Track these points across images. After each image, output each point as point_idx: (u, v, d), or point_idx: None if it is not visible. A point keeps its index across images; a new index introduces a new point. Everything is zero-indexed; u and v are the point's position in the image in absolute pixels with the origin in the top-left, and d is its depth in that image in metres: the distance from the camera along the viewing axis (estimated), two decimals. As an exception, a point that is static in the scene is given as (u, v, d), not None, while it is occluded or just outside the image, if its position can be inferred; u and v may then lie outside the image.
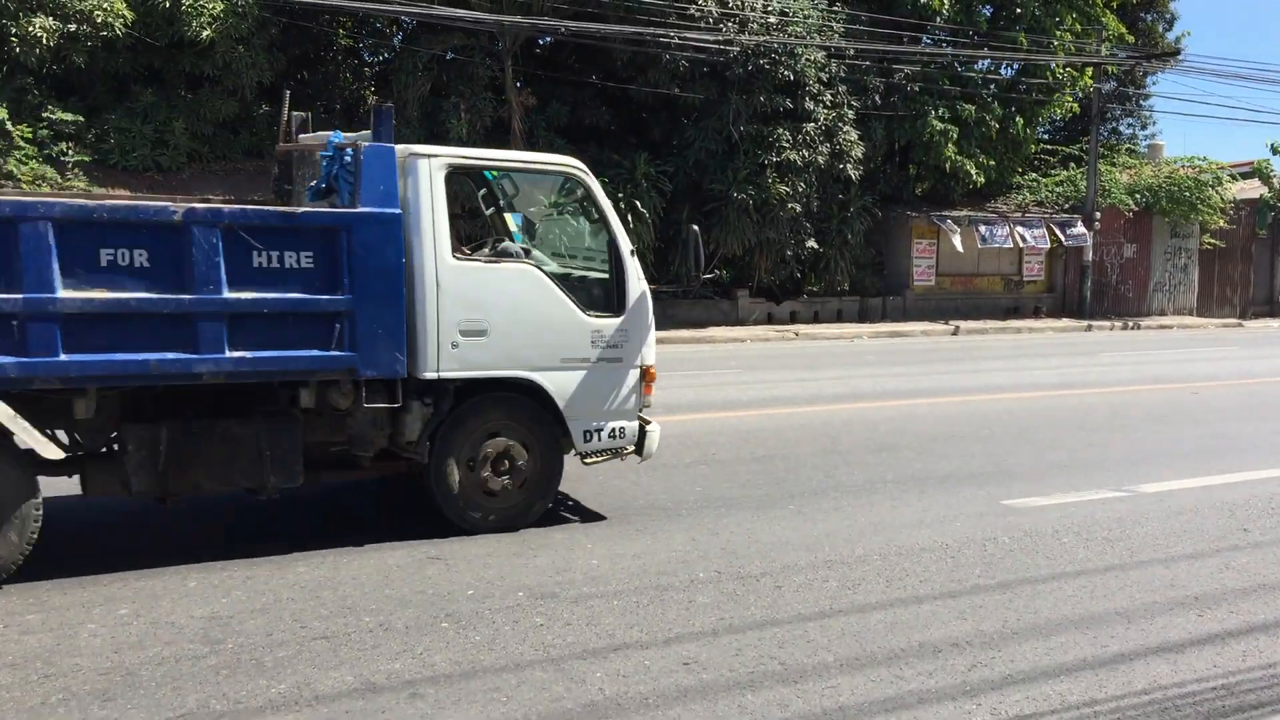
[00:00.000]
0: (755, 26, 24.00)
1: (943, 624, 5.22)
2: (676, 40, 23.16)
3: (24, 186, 18.59)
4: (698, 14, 23.42)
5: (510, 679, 4.50)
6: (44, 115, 19.22)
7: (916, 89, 27.00)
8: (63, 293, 5.30)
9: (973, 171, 27.67)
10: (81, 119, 19.65)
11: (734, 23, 23.83)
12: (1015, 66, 29.46)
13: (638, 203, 23.39)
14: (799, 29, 24.82)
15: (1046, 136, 33.61)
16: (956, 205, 28.78)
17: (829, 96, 25.02)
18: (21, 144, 18.71)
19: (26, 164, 18.71)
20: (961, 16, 27.87)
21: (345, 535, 6.55)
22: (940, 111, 27.09)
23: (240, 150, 21.83)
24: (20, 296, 5.22)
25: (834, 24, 25.65)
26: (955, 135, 27.17)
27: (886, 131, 26.92)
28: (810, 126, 24.50)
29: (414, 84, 22.49)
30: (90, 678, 4.47)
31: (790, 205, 24.12)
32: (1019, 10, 28.74)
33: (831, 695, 4.41)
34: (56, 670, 4.53)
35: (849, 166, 25.27)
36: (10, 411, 5.32)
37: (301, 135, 7.77)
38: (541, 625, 5.12)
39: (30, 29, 18.52)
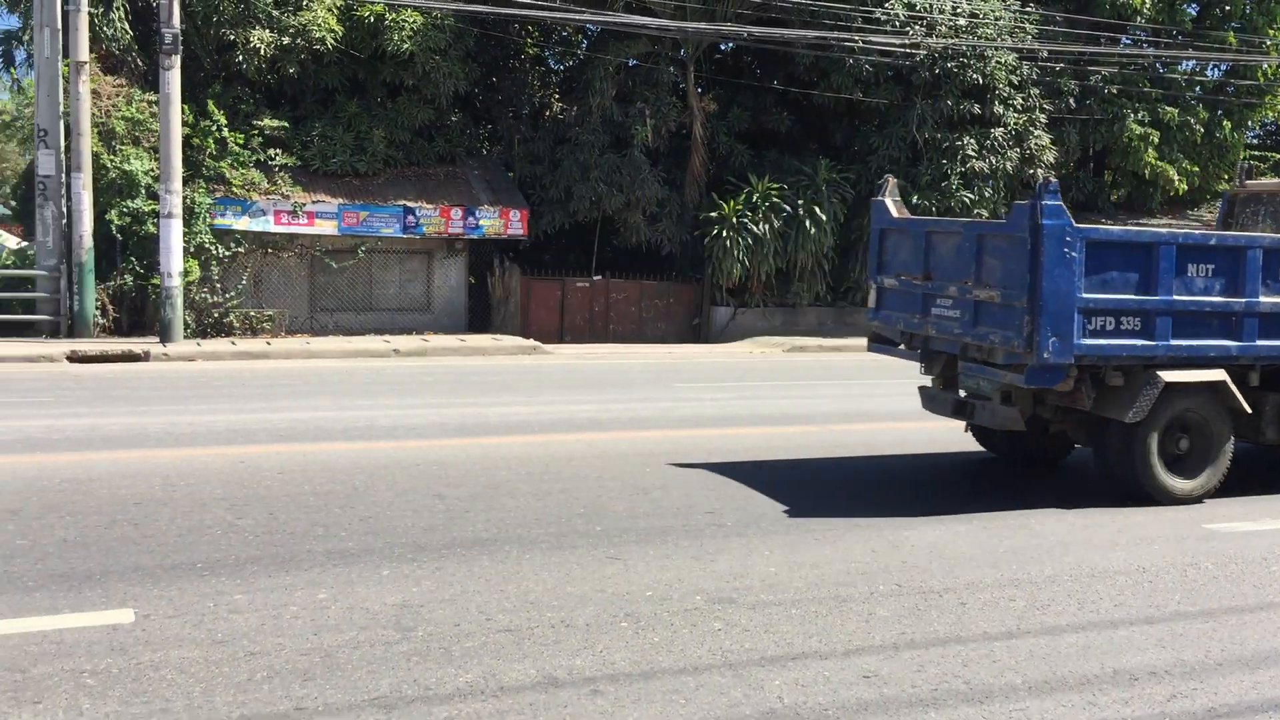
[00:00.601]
0: (943, 29, 23.47)
1: (1139, 650, 4.99)
2: (861, 44, 22.87)
3: (235, 191, 19.78)
4: (884, 17, 23.06)
5: (689, 681, 4.53)
6: (255, 123, 20.39)
7: (1114, 91, 25.89)
8: (1262, 299, 7.93)
9: (1174, 177, 26.33)
10: (288, 125, 20.75)
11: (921, 25, 23.36)
12: (1223, 67, 27.90)
13: (817, 208, 23.19)
14: (989, 31, 24.13)
15: (1256, 141, 31.69)
16: (1155, 213, 27.42)
17: (1020, 100, 24.25)
18: (235, 149, 19.89)
19: (239, 169, 19.88)
20: (1164, 16, 26.55)
21: (528, 532, 6.72)
22: (1139, 115, 25.89)
23: (433, 156, 22.63)
24: (1241, 300, 7.86)
25: (1026, 25, 24.83)
26: (1155, 140, 25.91)
27: (1080, 136, 25.91)
28: (999, 132, 23.81)
29: (599, 91, 22.86)
30: (292, 657, 4.70)
31: (976, 212, 23.46)
32: (1228, 8, 27.21)
33: (1020, 717, 4.27)
34: (261, 649, 4.79)
35: (1040, 171, 24.41)
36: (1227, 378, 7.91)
37: (1248, 181, 10.74)
38: (719, 630, 5.13)
39: (251, 41, 19.71)
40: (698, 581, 5.87)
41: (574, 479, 8.34)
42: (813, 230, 23.17)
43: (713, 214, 23.38)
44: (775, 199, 23.23)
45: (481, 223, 21.91)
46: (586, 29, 24.83)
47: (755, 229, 23.03)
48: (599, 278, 23.66)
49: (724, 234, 23.03)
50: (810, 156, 24.44)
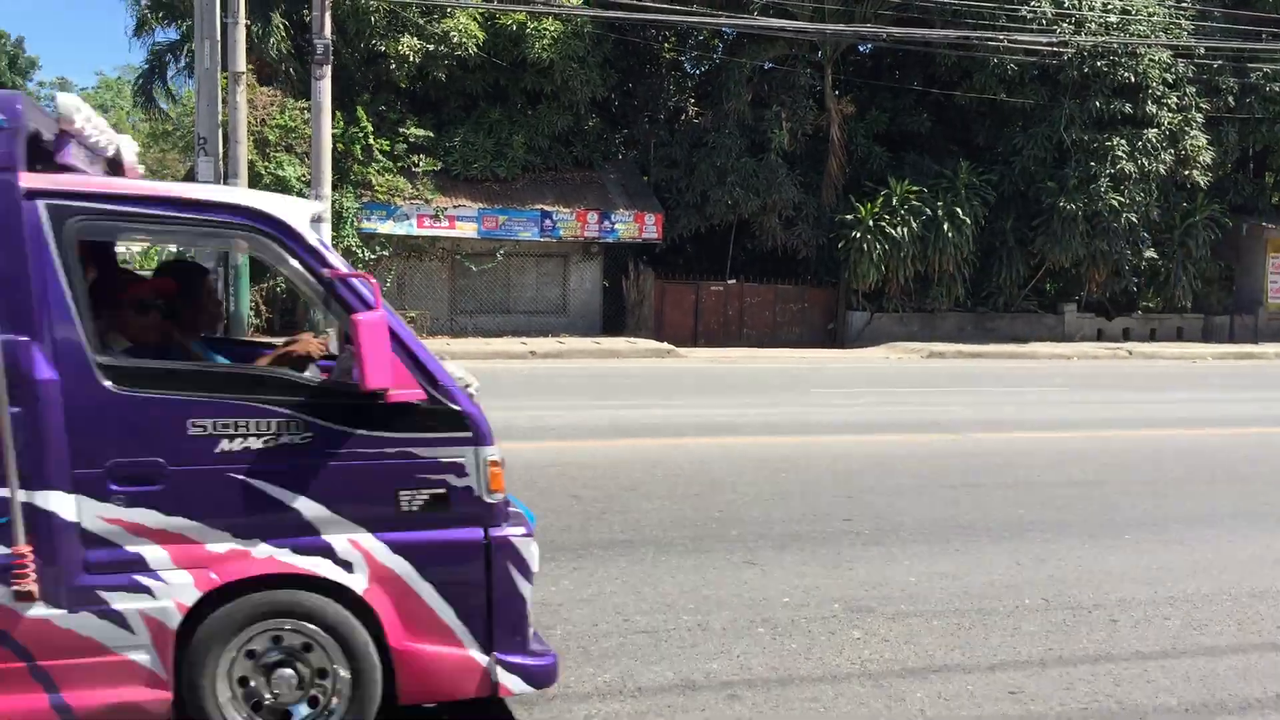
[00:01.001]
0: (1093, 26, 22.72)
1: (1306, 677, 4.73)
2: (1006, 43, 22.31)
3: (380, 195, 20.40)
4: (1029, 15, 22.45)
5: (827, 690, 4.48)
6: (401, 130, 21.01)
7: (1277, 89, 24.66)
8: None
9: (1341, 178, 24.99)
10: (432, 135, 21.32)
11: (1069, 23, 22.67)
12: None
13: (959, 210, 22.71)
14: (1142, 28, 23.27)
15: None
16: (1320, 216, 26.08)
17: (1174, 99, 23.31)
18: (380, 157, 20.53)
19: (384, 175, 20.51)
20: (1332, 8, 25.23)
21: (664, 534, 6.74)
22: (1304, 113, 24.66)
23: (571, 161, 22.95)
24: None
25: (1182, 20, 23.86)
26: (1321, 139, 24.64)
27: (1239, 136, 24.77)
28: (1152, 132, 22.93)
29: (735, 95, 22.83)
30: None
31: (1125, 215, 22.66)
32: None
33: (1175, 742, 4.10)
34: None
35: (1195, 173, 23.44)
36: None
37: None
38: (858, 639, 5.06)
39: (399, 48, 20.31)
40: (835, 589, 5.80)
41: (709, 483, 8.34)
42: (952, 234, 22.71)
43: (849, 217, 23.13)
44: (914, 202, 22.84)
45: (617, 226, 22.12)
46: (723, 33, 24.84)
47: (893, 232, 22.68)
48: (733, 281, 23.63)
49: (861, 237, 22.76)
50: (950, 158, 23.96)
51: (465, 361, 17.22)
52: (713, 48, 26.00)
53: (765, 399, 13.99)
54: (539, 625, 5.09)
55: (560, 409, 12.13)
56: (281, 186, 19.63)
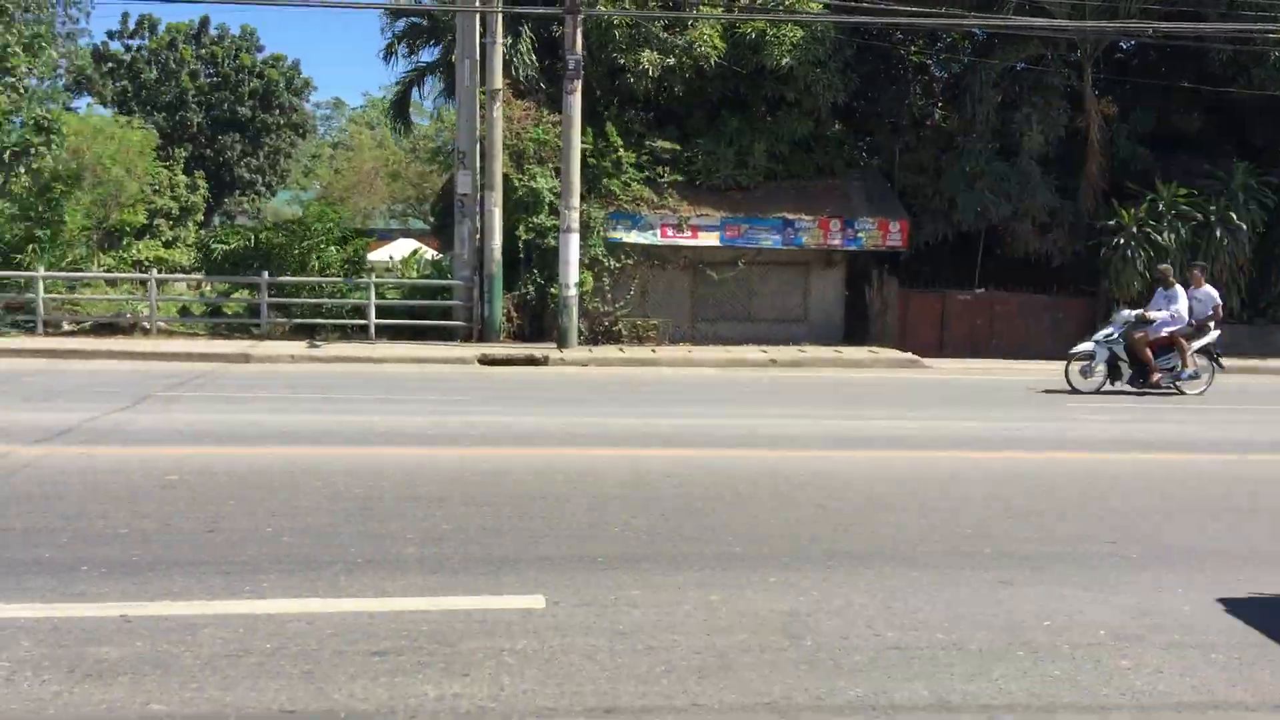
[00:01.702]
0: (1396, 11, 20.73)
1: None
2: (1290, 35, 20.67)
3: (626, 206, 20.88)
4: (1318, 3, 20.72)
5: (1094, 720, 4.27)
6: (647, 142, 21.45)
7: None
8: None
9: None
10: (678, 147, 21.67)
11: (1365, 10, 20.76)
12: None
13: (1233, 215, 21.18)
14: None
15: None
16: None
17: None
18: (628, 168, 21.03)
19: (630, 185, 21.00)
20: None
21: (912, 549, 6.60)
22: None
23: (812, 168, 22.81)
24: None
25: None
26: None
27: None
28: None
29: (984, 97, 22.09)
30: (687, 655, 4.88)
31: None
32: None
33: None
34: (659, 643, 5.00)
35: None
36: None
37: None
38: (1127, 669, 4.79)
39: (640, 63, 20.79)
40: (1099, 615, 5.52)
41: (958, 498, 8.10)
42: (1226, 240, 21.21)
43: (1110, 223, 21.96)
44: (1183, 206, 21.46)
45: (859, 234, 21.81)
46: (973, 34, 24.08)
47: (1159, 239, 21.39)
48: (981, 290, 22.86)
49: (1123, 244, 21.55)
50: (1224, 160, 22.35)
51: (708, 369, 17.42)
52: (961, 49, 25.24)
53: (1016, 413, 13.46)
54: (788, 634, 5.10)
55: (802, 418, 12.06)
56: (535, 198, 20.41)
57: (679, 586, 5.80)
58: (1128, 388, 15.62)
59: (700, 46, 21.04)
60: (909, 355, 20.04)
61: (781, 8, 21.69)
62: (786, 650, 4.94)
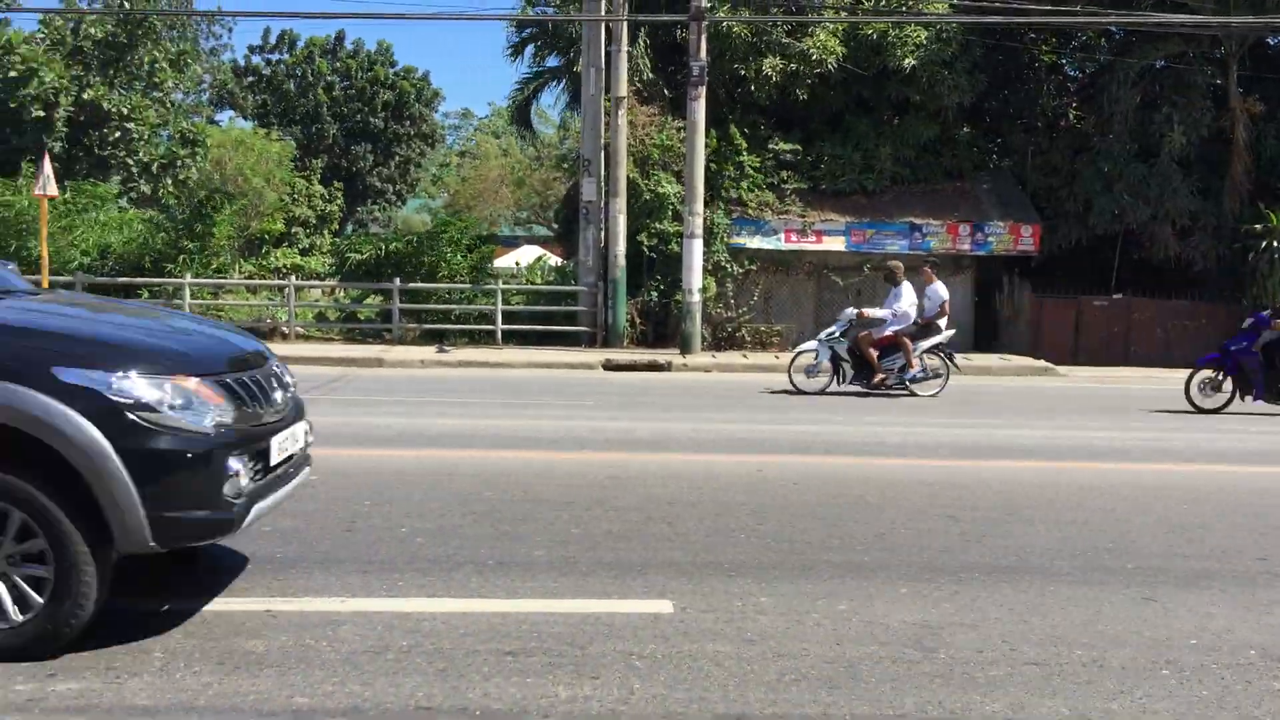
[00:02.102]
0: None
1: None
2: None
3: (750, 211, 20.83)
4: None
5: (1247, 745, 4.09)
6: (770, 147, 21.37)
7: None
8: None
9: None
10: (800, 148, 21.53)
11: None
12: None
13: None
14: None
15: None
16: None
17: None
18: (752, 173, 20.97)
19: (754, 191, 20.94)
20: None
21: (1050, 562, 6.42)
22: None
23: (940, 171, 22.40)
24: None
25: None
26: None
27: None
28: None
29: (1122, 97, 21.38)
30: (816, 664, 4.83)
31: None
32: None
33: None
34: (787, 651, 4.97)
35: None
36: None
37: None
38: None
39: (762, 68, 20.73)
40: (1250, 634, 5.28)
41: (1096, 510, 7.85)
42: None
43: (1257, 226, 21.02)
44: (1337, 208, 20.44)
45: (989, 239, 21.34)
46: (1110, 32, 23.34)
47: (1310, 242, 20.40)
48: (1118, 296, 22.12)
49: (1272, 248, 20.61)
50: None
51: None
52: (1097, 48, 24.49)
53: (1155, 424, 12.98)
54: (920, 647, 5.01)
55: (931, 426, 11.84)
56: (660, 203, 20.51)
57: (807, 595, 5.75)
58: (853, 387, 14.84)
59: (817, 53, 20.87)
60: (1041, 362, 19.50)
61: (904, 9, 21.38)
62: (919, 663, 4.86)
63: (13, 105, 31.33)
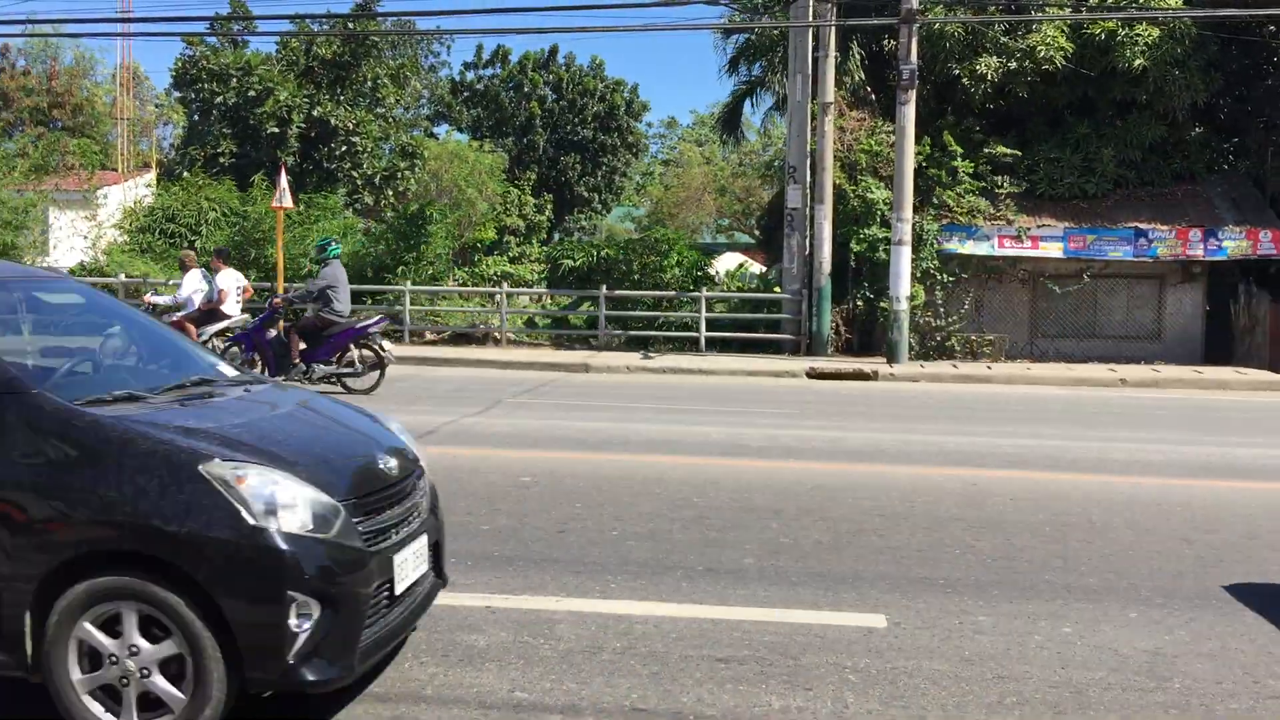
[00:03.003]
0: None
1: None
2: None
3: (960, 217, 20.23)
4: None
5: None
6: (984, 151, 20.71)
7: None
8: None
9: None
10: (1018, 153, 20.77)
11: None
12: None
13: None
14: None
15: None
16: None
17: None
18: (964, 178, 20.37)
19: (965, 196, 20.32)
20: None
21: (1299, 592, 5.97)
22: None
23: (1169, 174, 21.21)
24: None
25: None
26: None
27: None
28: None
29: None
30: (1039, 687, 4.65)
31: None
32: None
33: None
34: (1008, 673, 4.80)
35: None
36: None
37: None
38: None
39: (977, 68, 20.11)
40: None
41: (1351, 538, 7.25)
42: None
43: None
44: None
45: (1224, 244, 20.04)
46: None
47: None
48: (1371, 305, 20.37)
49: None
50: None
51: (1048, 387, 16.56)
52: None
53: None
54: (1152, 675, 4.74)
55: (1158, 443, 11.19)
56: (867, 209, 20.16)
57: (1029, 616, 5.54)
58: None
59: (1043, 50, 20.06)
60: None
61: (1135, 6, 20.33)
62: (1152, 692, 4.61)
63: (251, 122, 33.57)
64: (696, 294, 21.09)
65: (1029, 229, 20.15)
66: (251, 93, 33.82)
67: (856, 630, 5.27)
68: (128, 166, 35.62)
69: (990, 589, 5.96)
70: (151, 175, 34.75)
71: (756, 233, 34.98)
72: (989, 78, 20.20)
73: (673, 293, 21.60)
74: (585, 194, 51.11)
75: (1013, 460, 9.87)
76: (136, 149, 39.71)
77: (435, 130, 48.47)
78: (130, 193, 29.34)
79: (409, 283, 22.21)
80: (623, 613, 5.43)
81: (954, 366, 18.76)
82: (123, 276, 22.47)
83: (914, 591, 5.88)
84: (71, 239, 26.45)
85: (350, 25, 34.76)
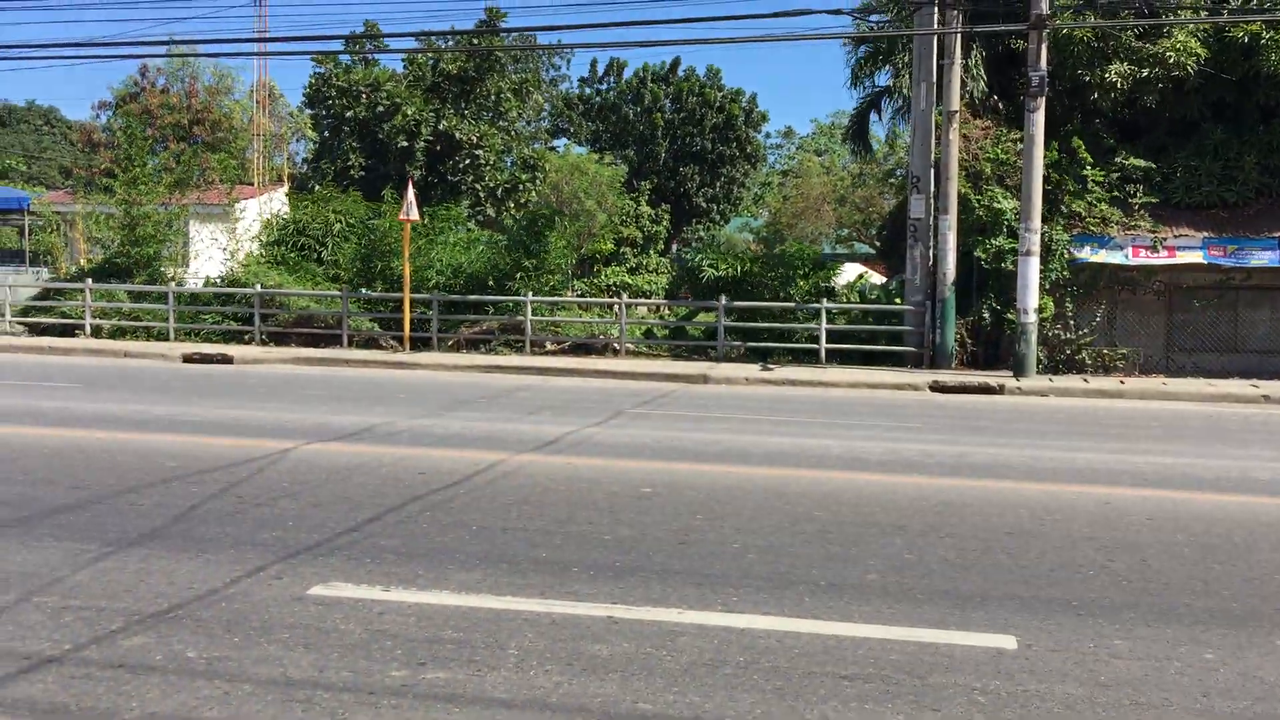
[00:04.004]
0: None
1: None
2: None
3: (1091, 227, 19.64)
4: None
5: None
6: (1116, 159, 20.08)
7: None
8: None
9: None
10: (1153, 166, 20.09)
11: None
12: None
13: None
14: None
15: None
16: None
17: None
18: (1095, 187, 19.78)
19: (1095, 205, 19.73)
20: None
21: None
22: None
23: (1315, 182, 20.27)
24: None
25: None
26: None
27: None
28: None
29: None
30: (1180, 715, 4.48)
31: None
32: None
33: None
34: (1146, 700, 4.63)
35: None
36: None
37: None
38: None
39: (1106, 75, 19.51)
40: None
41: None
42: None
43: None
44: None
45: (1377, 254, 19.05)
46: None
47: None
48: None
49: None
50: None
51: (1185, 403, 15.94)
52: None
53: None
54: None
55: (1306, 462, 10.69)
56: (993, 219, 19.74)
57: (1167, 640, 5.34)
58: None
59: (1175, 56, 19.35)
60: None
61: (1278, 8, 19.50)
62: (1304, 725, 4.39)
63: (380, 137, 34.53)
64: (817, 305, 20.90)
65: (1165, 238, 19.45)
66: (380, 108, 34.81)
67: (985, 651, 5.15)
68: (263, 181, 36.92)
69: (1126, 612, 5.76)
70: (285, 189, 35.97)
71: (876, 243, 34.51)
72: (1120, 85, 19.58)
73: (793, 304, 21.45)
74: (704, 205, 51.19)
75: (1148, 479, 9.53)
76: (271, 163, 41.15)
77: (554, 144, 49.12)
78: (266, 206, 30.40)
79: (530, 292, 22.50)
80: (745, 626, 5.40)
81: (1084, 381, 18.20)
82: (259, 287, 23.27)
83: (1045, 612, 5.72)
84: (210, 250, 27.51)
85: (475, 41, 35.49)
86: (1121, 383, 17.98)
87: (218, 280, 25.73)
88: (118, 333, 23.86)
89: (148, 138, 29.88)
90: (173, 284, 24.61)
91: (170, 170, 26.83)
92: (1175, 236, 19.49)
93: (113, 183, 26.03)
